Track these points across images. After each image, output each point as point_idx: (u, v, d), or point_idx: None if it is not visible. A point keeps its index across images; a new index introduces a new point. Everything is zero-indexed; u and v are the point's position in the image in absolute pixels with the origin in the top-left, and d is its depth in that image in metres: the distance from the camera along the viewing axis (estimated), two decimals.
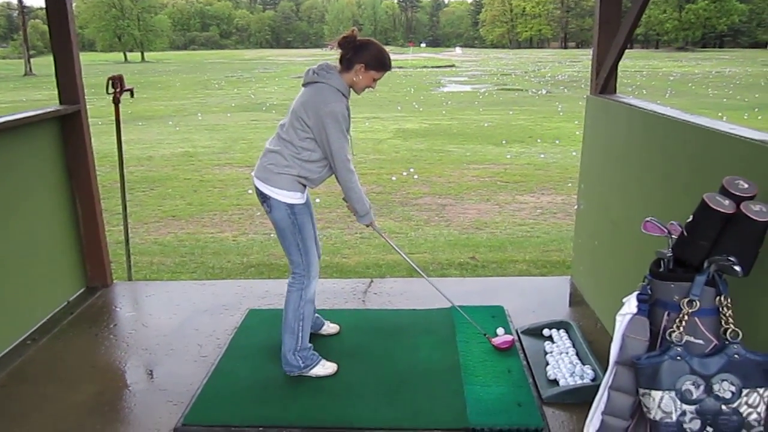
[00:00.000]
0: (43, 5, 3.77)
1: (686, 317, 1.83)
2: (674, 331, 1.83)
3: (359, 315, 3.75)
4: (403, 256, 3.42)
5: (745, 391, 1.79)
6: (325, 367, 3.07)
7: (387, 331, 3.52)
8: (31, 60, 45.98)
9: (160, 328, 3.67)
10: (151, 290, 4.34)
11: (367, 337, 3.46)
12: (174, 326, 3.67)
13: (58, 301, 3.90)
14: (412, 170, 9.38)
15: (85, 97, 4.03)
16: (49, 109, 3.77)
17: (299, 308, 3.02)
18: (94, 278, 4.20)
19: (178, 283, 4.67)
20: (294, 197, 2.92)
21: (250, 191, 8.14)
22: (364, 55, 2.86)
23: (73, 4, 3.96)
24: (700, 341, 1.85)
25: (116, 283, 4.34)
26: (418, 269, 3.42)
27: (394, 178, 8.86)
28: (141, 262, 5.39)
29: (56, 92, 3.94)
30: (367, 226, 3.16)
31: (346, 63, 2.87)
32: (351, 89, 2.95)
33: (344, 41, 2.86)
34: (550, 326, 3.47)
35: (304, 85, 2.93)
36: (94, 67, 39.05)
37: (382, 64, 2.92)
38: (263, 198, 2.94)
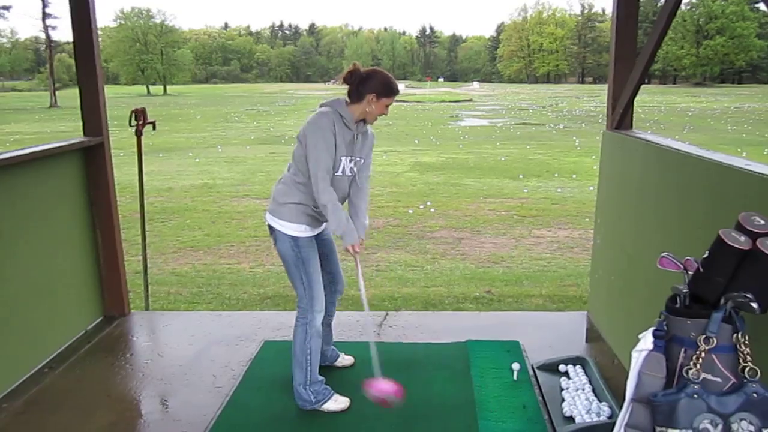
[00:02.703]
0: (70, 40, 3.88)
1: (703, 354, 1.81)
2: (691, 369, 1.81)
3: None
4: (362, 291, 3.13)
5: (765, 431, 1.76)
6: (337, 402, 3.06)
7: (401, 365, 3.50)
8: (57, 92, 47.09)
9: (176, 358, 3.68)
10: (168, 320, 4.36)
11: (382, 370, 3.44)
12: (190, 356, 3.68)
13: (76, 329, 3.93)
14: (428, 203, 9.40)
15: (109, 129, 4.12)
16: (73, 141, 3.86)
17: (306, 342, 3.03)
18: (112, 307, 4.24)
19: (195, 313, 4.70)
20: (298, 230, 2.94)
21: None
22: (372, 85, 2.89)
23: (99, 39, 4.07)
24: (718, 379, 1.82)
25: (133, 313, 4.37)
26: (365, 305, 3.17)
27: (410, 211, 8.88)
28: (158, 292, 5.43)
29: (80, 124, 4.04)
30: (350, 251, 2.99)
31: (356, 96, 2.91)
32: (364, 120, 2.97)
33: (350, 76, 2.92)
34: (566, 362, 3.44)
35: None
36: (118, 99, 39.83)
37: (391, 89, 2.94)
38: (270, 230, 3.03)
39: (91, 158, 3.99)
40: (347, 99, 2.93)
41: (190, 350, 3.77)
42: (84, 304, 4.04)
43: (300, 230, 2.95)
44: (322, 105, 2.94)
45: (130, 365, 3.60)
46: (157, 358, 3.69)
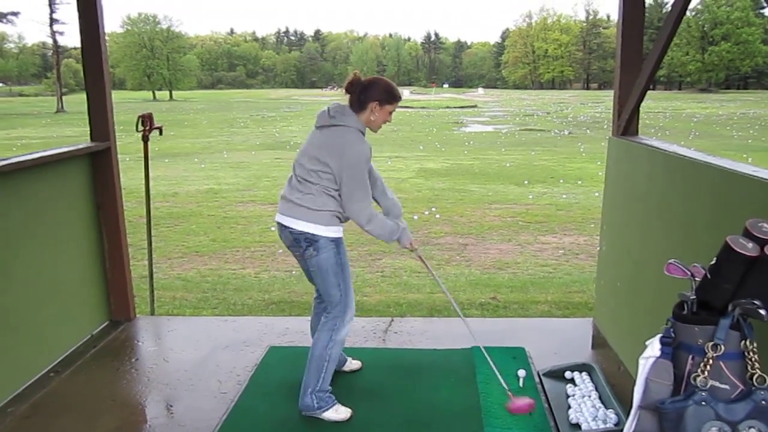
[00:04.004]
0: (77, 45, 3.91)
1: (711, 361, 1.80)
2: (699, 376, 1.80)
3: (379, 354, 3.74)
4: (443, 290, 3.37)
5: None
6: (338, 412, 3.03)
7: (407, 371, 3.50)
8: (63, 97, 47.35)
9: (181, 363, 3.68)
10: (173, 325, 4.37)
11: (387, 376, 3.44)
12: (195, 362, 3.69)
13: (82, 334, 3.94)
14: (433, 209, 9.40)
15: (115, 134, 4.14)
16: (80, 146, 3.88)
17: (327, 348, 3.02)
18: (118, 312, 4.25)
19: (200, 318, 4.70)
20: (338, 231, 2.97)
21: (272, 228, 8.21)
22: (375, 93, 2.91)
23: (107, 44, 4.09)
24: (726, 386, 1.81)
25: (139, 318, 4.38)
26: (455, 306, 3.35)
27: (415, 217, 8.88)
28: (164, 297, 5.44)
29: (86, 128, 4.06)
30: (411, 249, 3.22)
31: (358, 104, 2.92)
32: (368, 128, 2.99)
33: (351, 85, 2.92)
34: (572, 369, 3.43)
35: (318, 127, 2.95)
36: (124, 104, 40.00)
37: (393, 96, 2.96)
38: (309, 242, 2.92)
39: (98, 163, 4.01)
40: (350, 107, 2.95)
41: (195, 355, 3.77)
42: (90, 309, 4.05)
43: (340, 231, 2.98)
44: (334, 115, 2.91)
45: (136, 370, 3.61)
46: (163, 363, 3.70)
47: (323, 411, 3.01)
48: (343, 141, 2.85)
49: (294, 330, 4.07)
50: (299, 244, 2.95)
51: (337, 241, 2.97)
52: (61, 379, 3.46)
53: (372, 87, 2.91)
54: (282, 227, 2.99)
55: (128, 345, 3.95)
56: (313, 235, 2.91)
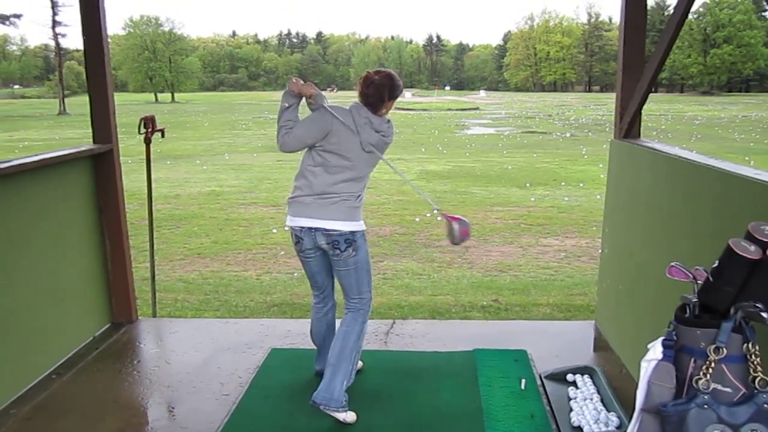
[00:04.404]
0: (80, 47, 3.92)
1: (713, 364, 1.80)
2: (701, 379, 1.80)
3: (381, 356, 3.74)
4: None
5: None
6: (348, 414, 2.98)
7: (408, 373, 3.50)
8: (66, 99, 47.44)
9: (183, 365, 3.68)
10: (175, 327, 4.37)
11: (389, 378, 3.44)
12: (197, 364, 3.69)
13: (84, 336, 3.94)
14: (435, 212, 9.39)
15: (117, 136, 4.14)
16: (82, 148, 3.89)
17: (359, 340, 3.09)
18: (120, 314, 4.25)
19: (202, 320, 4.71)
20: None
21: (274, 230, 8.23)
22: (395, 93, 3.04)
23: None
24: (728, 389, 1.81)
25: (141, 320, 4.38)
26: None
27: (417, 219, 8.88)
28: (166, 299, 5.44)
29: (88, 131, 4.06)
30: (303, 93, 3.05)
31: (378, 104, 3.02)
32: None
33: (369, 87, 2.99)
34: (574, 371, 3.42)
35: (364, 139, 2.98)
36: (126, 106, 40.06)
37: (400, 90, 3.10)
38: (348, 242, 2.96)
39: (100, 165, 4.01)
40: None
41: (197, 357, 3.77)
42: (92, 311, 4.06)
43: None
44: (377, 131, 3.00)
45: (137, 372, 3.61)
46: (164, 365, 3.70)
47: (345, 409, 2.95)
48: (390, 128, 3.05)
49: (296, 332, 4.07)
50: (337, 246, 2.97)
51: (365, 234, 3.07)
52: (62, 381, 3.47)
53: (391, 88, 3.01)
54: (312, 230, 2.98)
55: (130, 347, 3.95)
56: (353, 233, 2.96)
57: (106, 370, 3.62)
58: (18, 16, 45.65)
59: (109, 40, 4.07)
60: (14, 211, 3.30)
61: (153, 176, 4.67)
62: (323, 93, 3.05)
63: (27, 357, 3.39)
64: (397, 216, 9.19)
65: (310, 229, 2.98)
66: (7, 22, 45.69)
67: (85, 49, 3.91)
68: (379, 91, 2.98)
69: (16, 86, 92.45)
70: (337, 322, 3.25)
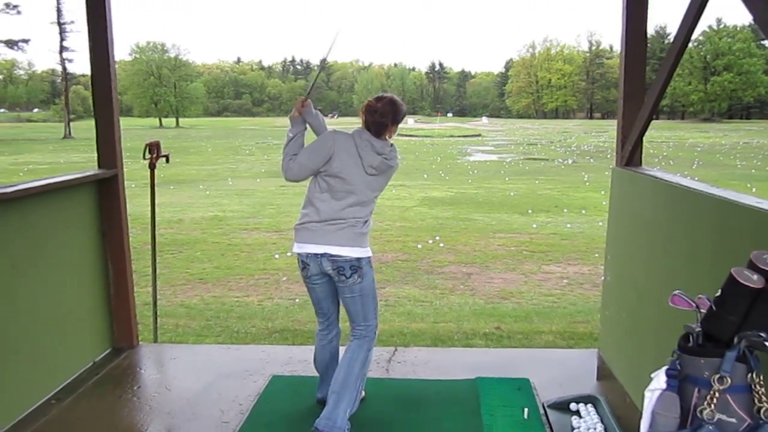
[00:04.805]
0: (86, 72, 3.98)
1: (717, 394, 1.78)
2: (705, 409, 1.79)
3: (383, 384, 3.71)
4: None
5: None
6: None
7: (411, 401, 3.47)
8: (71, 123, 47.83)
9: (184, 391, 3.66)
10: (176, 353, 4.35)
11: (391, 406, 3.41)
12: (197, 390, 3.66)
13: (84, 361, 3.92)
14: (437, 238, 9.40)
15: (123, 161, 4.17)
16: (88, 173, 3.91)
17: (365, 367, 3.07)
18: (121, 339, 4.23)
19: (203, 346, 4.69)
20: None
21: (277, 256, 8.22)
22: (398, 117, 3.07)
23: None
24: (733, 420, 1.79)
25: (142, 345, 4.36)
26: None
27: (419, 246, 8.88)
28: (167, 324, 5.42)
29: (93, 155, 4.08)
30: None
31: (382, 130, 3.05)
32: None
33: (372, 115, 3.02)
34: (577, 400, 3.39)
35: (369, 166, 3.00)
36: (131, 131, 40.34)
37: (403, 113, 3.14)
38: (354, 268, 2.97)
39: (105, 190, 4.03)
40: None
41: (197, 384, 3.75)
42: (93, 336, 4.04)
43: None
44: (380, 154, 3.02)
45: (138, 398, 3.59)
46: (165, 392, 3.68)
47: None
48: (394, 154, 3.08)
49: (297, 359, 4.05)
50: (342, 272, 2.97)
51: (371, 260, 3.06)
52: (62, 406, 3.44)
53: (394, 113, 3.05)
54: (318, 256, 2.98)
55: (130, 373, 3.93)
56: (359, 259, 2.97)
57: (106, 395, 3.59)
58: (26, 41, 46.13)
59: (116, 65, 4.12)
60: (18, 235, 3.30)
61: (156, 201, 4.68)
62: (319, 113, 3.16)
63: (26, 381, 3.37)
64: (400, 242, 9.18)
65: (316, 255, 2.98)
66: (15, 47, 46.34)
67: (92, 75, 3.95)
68: (382, 118, 3.01)
69: (35, 110, 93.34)
70: (341, 350, 3.23)
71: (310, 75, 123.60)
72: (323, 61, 3.55)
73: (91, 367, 3.93)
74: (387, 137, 3.07)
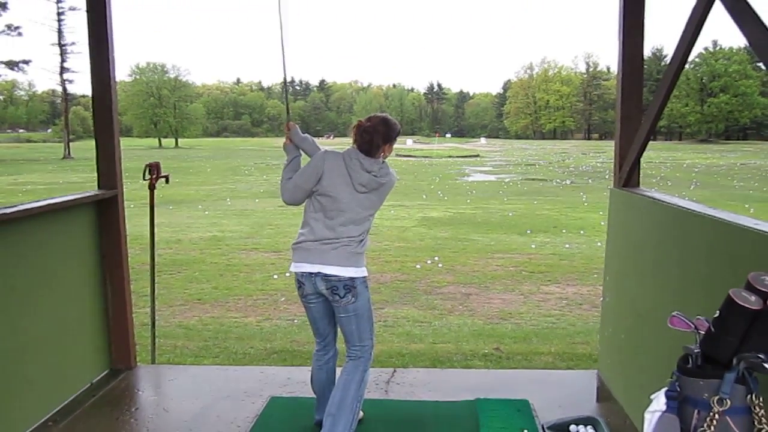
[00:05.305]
0: (86, 93, 4.02)
1: (717, 416, 1.78)
2: (705, 430, 1.78)
3: (381, 405, 3.69)
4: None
5: None
6: None
7: (410, 423, 3.45)
8: (71, 144, 47.99)
9: (181, 413, 3.64)
10: (174, 374, 4.33)
11: (390, 428, 3.40)
12: (195, 412, 3.64)
13: (82, 382, 3.90)
14: (436, 259, 9.39)
15: (122, 182, 4.18)
16: (87, 194, 3.92)
17: (361, 389, 3.06)
18: (119, 360, 4.21)
19: (201, 368, 4.66)
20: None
21: (275, 276, 8.21)
22: (391, 136, 3.09)
23: None
24: None
25: (140, 366, 4.34)
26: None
27: (418, 267, 8.87)
28: (165, 345, 5.40)
29: (92, 175, 4.10)
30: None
31: (373, 150, 3.05)
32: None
33: (362, 135, 3.05)
34: (577, 422, 3.37)
35: (359, 183, 3.02)
36: (130, 151, 40.34)
37: (396, 131, 3.16)
38: (348, 288, 2.97)
39: (104, 211, 4.04)
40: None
41: (195, 405, 3.73)
42: (91, 357, 4.03)
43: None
44: (372, 174, 3.03)
45: (135, 420, 3.56)
46: (163, 413, 3.65)
47: None
48: (392, 173, 3.11)
49: (296, 380, 4.03)
50: (336, 291, 2.97)
51: (367, 281, 3.06)
52: (59, 428, 3.42)
53: (388, 132, 3.07)
54: (312, 275, 2.99)
55: (128, 394, 3.91)
56: (353, 279, 2.96)
57: (104, 417, 3.57)
58: (27, 62, 46.51)
59: (116, 86, 4.15)
60: (17, 256, 3.31)
61: (155, 221, 4.69)
62: (308, 136, 3.26)
63: (23, 403, 3.35)
64: (398, 263, 9.17)
65: (310, 274, 2.99)
66: (17, 68, 46.65)
67: (93, 96, 3.98)
68: (372, 138, 3.02)
69: (21, 130, 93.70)
70: (338, 371, 3.22)
71: (309, 96, 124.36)
72: (285, 80, 3.57)
73: (89, 388, 3.91)
74: (381, 156, 3.08)
